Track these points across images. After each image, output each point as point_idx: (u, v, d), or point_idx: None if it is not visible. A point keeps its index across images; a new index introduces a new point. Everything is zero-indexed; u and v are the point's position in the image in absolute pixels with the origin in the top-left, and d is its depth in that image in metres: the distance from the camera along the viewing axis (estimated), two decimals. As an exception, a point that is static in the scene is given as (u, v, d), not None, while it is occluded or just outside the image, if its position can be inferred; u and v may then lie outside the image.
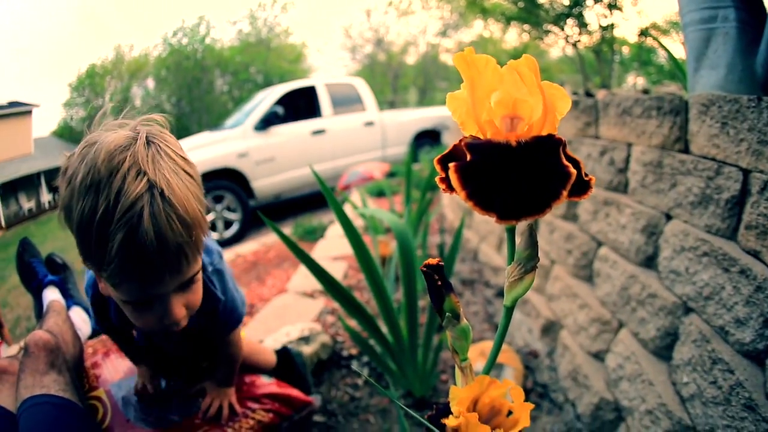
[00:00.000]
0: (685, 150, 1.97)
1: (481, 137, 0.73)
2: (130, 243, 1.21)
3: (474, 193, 0.65)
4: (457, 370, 1.06)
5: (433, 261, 0.99)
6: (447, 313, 0.99)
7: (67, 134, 13.47)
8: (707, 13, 2.02)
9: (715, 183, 1.75)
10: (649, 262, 2.21)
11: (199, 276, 1.53)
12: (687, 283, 1.87)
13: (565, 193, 0.64)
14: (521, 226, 0.80)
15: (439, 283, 0.98)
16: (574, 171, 0.65)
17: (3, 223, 5.53)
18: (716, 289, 1.69)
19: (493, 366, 1.03)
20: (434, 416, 1.09)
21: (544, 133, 0.72)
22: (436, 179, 0.74)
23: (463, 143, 0.71)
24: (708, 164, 1.78)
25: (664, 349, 2.03)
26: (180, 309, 1.47)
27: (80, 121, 14.84)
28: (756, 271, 1.49)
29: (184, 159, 1.42)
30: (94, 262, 1.30)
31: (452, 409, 1.00)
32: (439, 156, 0.76)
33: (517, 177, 0.66)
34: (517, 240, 0.86)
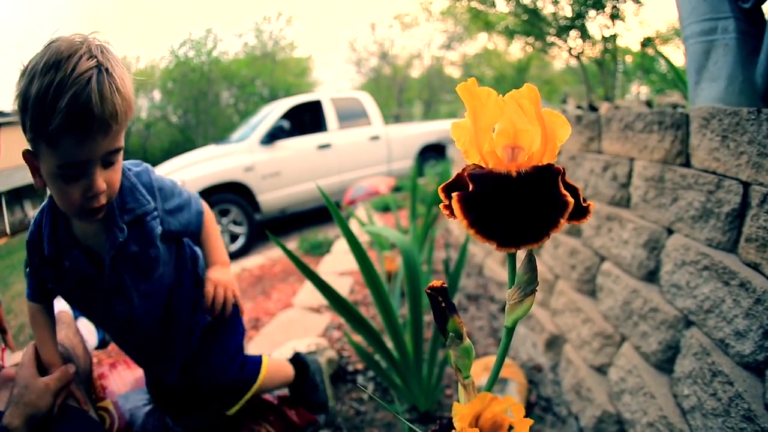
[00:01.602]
0: (687, 164, 1.99)
1: (484, 166, 0.77)
2: (77, 99, 1.41)
3: (475, 223, 0.69)
4: (459, 386, 1.09)
5: (437, 283, 1.02)
6: (450, 333, 1.03)
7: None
8: (707, 24, 2.04)
9: (715, 196, 1.76)
10: (651, 276, 2.22)
11: (120, 157, 1.67)
12: (688, 297, 1.88)
13: (563, 221, 0.68)
14: (521, 251, 0.82)
15: (443, 304, 1.02)
16: (571, 200, 0.69)
17: (8, 230, 5.55)
18: (716, 302, 1.70)
19: (495, 383, 1.06)
20: (438, 431, 1.12)
21: (545, 161, 0.75)
22: (440, 206, 0.77)
23: (465, 173, 0.75)
24: (709, 178, 1.80)
25: (665, 362, 2.05)
26: (102, 182, 1.59)
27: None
28: (756, 283, 1.51)
29: (122, 64, 1.61)
30: (42, 128, 1.45)
31: (455, 425, 1.03)
32: (443, 184, 0.79)
33: (517, 207, 0.70)
34: (518, 265, 0.89)
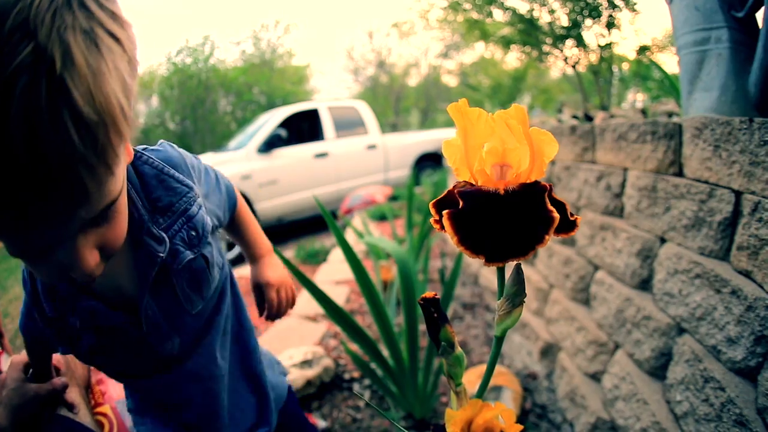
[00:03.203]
0: (679, 173, 2.01)
1: (474, 183, 0.80)
2: None
3: (464, 239, 0.72)
4: (452, 393, 1.11)
5: (429, 294, 1.05)
6: (443, 343, 1.05)
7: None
8: (700, 35, 2.05)
9: (707, 206, 1.78)
10: (644, 284, 2.24)
11: (121, 201, 0.96)
12: (680, 305, 1.90)
13: (548, 237, 0.71)
14: (509, 265, 0.84)
15: (435, 315, 1.04)
16: (557, 216, 0.71)
17: None
18: (708, 309, 1.72)
19: (485, 390, 1.08)
20: (432, 436, 1.14)
21: (532, 178, 0.78)
22: (431, 221, 0.80)
23: (456, 190, 0.78)
24: (701, 187, 1.82)
25: (658, 369, 2.07)
26: (90, 258, 0.93)
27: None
28: (747, 291, 1.53)
29: (113, 14, 0.83)
30: None
31: (447, 431, 1.06)
32: (434, 200, 0.82)
33: (505, 223, 0.73)
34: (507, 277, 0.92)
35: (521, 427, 1.06)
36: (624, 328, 2.31)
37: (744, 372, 1.55)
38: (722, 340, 1.64)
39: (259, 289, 1.83)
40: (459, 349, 1.07)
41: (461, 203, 0.75)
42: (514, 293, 0.89)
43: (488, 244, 0.72)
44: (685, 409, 1.81)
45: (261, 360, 1.74)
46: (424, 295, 1.03)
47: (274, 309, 1.78)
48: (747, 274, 1.59)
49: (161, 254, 1.18)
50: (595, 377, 2.58)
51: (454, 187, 0.80)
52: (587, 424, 2.45)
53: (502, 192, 0.76)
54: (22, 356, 1.54)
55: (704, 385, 1.69)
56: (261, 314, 1.83)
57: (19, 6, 0.68)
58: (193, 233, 1.28)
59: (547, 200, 0.73)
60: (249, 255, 1.83)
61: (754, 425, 1.43)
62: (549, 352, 3.09)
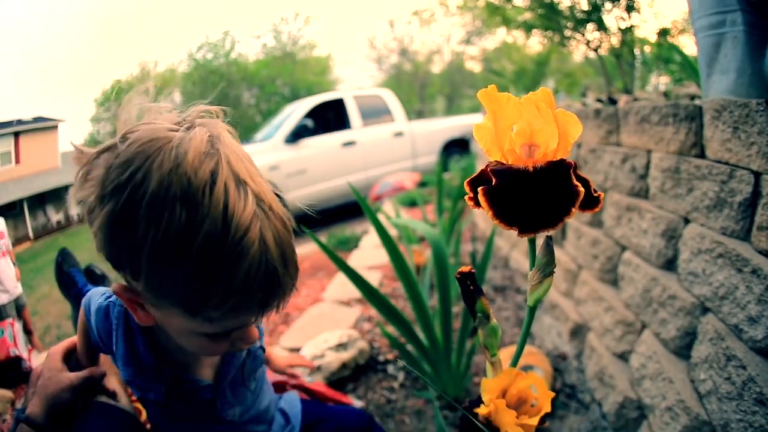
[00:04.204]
0: (701, 155, 2.02)
1: (505, 162, 0.89)
2: (259, 269, 0.97)
3: (499, 213, 0.82)
4: (487, 364, 1.18)
5: (465, 269, 1.12)
6: (479, 314, 1.12)
7: (94, 148, 13.63)
8: (716, 18, 2.05)
9: (728, 186, 1.79)
10: (669, 264, 2.26)
11: None
12: (704, 284, 1.92)
13: (574, 209, 0.79)
14: (540, 237, 0.92)
15: (471, 288, 1.12)
16: (582, 190, 0.80)
17: (31, 235, 5.58)
18: (730, 288, 1.73)
19: (519, 358, 1.15)
20: (468, 407, 1.21)
21: (558, 157, 0.87)
22: (466, 198, 0.88)
23: (489, 169, 0.87)
24: (722, 168, 1.83)
25: (683, 348, 2.08)
26: (255, 333, 1.21)
27: (108, 135, 15.02)
28: (767, 270, 1.55)
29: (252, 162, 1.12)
30: (179, 296, 0.99)
31: (483, 398, 1.13)
32: (468, 179, 0.91)
33: (535, 197, 0.83)
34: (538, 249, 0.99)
35: (552, 394, 1.12)
36: (650, 308, 2.33)
37: (764, 352, 1.57)
38: (744, 320, 1.65)
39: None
40: (494, 321, 1.14)
41: (494, 180, 0.84)
42: (545, 263, 0.97)
43: (520, 217, 0.81)
44: (708, 387, 1.82)
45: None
46: (461, 269, 1.11)
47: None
48: (767, 254, 1.61)
49: (258, 345, 1.51)
50: (623, 357, 2.60)
51: (486, 166, 0.89)
52: (615, 403, 2.49)
53: (531, 169, 0.85)
54: (61, 346, 1.56)
55: (726, 363, 1.71)
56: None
57: (218, 159, 0.97)
58: (261, 327, 1.55)
59: (573, 176, 0.82)
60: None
61: (773, 403, 1.45)
62: (578, 332, 3.12)
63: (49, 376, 1.45)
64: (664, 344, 2.23)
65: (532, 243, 1.02)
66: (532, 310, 1.07)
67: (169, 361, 1.36)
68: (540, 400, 1.14)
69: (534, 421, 1.10)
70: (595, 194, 0.87)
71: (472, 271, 1.14)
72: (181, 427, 1.52)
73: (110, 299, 1.38)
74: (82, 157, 1.05)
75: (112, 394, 1.61)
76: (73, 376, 1.45)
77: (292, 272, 1.07)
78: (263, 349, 1.63)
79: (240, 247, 0.93)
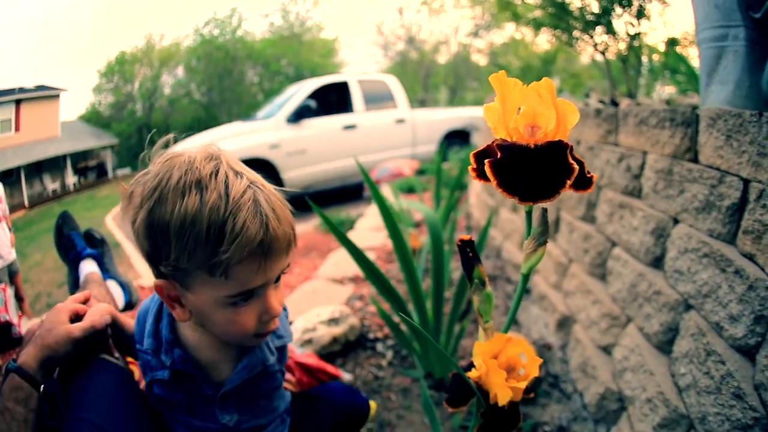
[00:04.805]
0: (694, 159, 2.06)
1: (509, 140, 0.99)
2: (252, 223, 1.22)
3: (502, 182, 0.92)
4: (480, 330, 1.27)
5: (466, 237, 1.21)
6: (476, 280, 1.21)
7: (95, 119, 13.48)
8: (719, 31, 2.10)
9: (718, 191, 1.84)
10: (657, 262, 2.31)
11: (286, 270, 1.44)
12: (688, 282, 1.97)
13: (569, 182, 0.90)
14: (537, 209, 1.01)
15: (471, 255, 1.20)
16: (577, 167, 0.92)
17: (26, 203, 5.61)
18: (714, 287, 1.79)
19: (511, 325, 1.23)
20: (456, 374, 1.29)
21: (557, 138, 0.96)
22: (469, 168, 0.98)
23: (494, 144, 0.98)
24: (713, 173, 1.88)
25: (665, 343, 2.14)
26: (277, 304, 1.41)
27: (109, 106, 14.96)
28: (749, 271, 1.60)
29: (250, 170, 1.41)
30: (203, 260, 1.23)
31: (474, 361, 1.21)
32: (474, 151, 1.01)
33: (534, 171, 0.93)
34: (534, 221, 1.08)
35: (540, 360, 1.20)
36: (636, 303, 2.38)
37: (743, 350, 1.62)
38: (725, 317, 1.70)
39: None
40: (489, 288, 1.22)
41: (499, 154, 0.94)
42: (540, 233, 1.06)
43: (521, 187, 0.91)
44: (688, 381, 1.87)
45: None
46: (461, 237, 1.20)
47: None
48: (751, 257, 1.66)
49: (268, 363, 1.60)
50: (607, 350, 2.66)
51: (492, 142, 1.00)
52: (596, 394, 2.55)
53: (532, 146, 0.95)
54: (69, 305, 1.57)
55: (706, 358, 1.76)
56: None
57: (221, 159, 1.30)
58: (285, 352, 1.73)
59: (569, 155, 0.93)
60: None
61: (750, 399, 1.51)
62: (565, 324, 3.19)
63: (50, 328, 1.45)
64: (647, 338, 2.28)
65: (529, 214, 1.11)
66: (526, 278, 1.15)
67: (182, 345, 1.54)
68: (528, 366, 1.22)
69: (522, 385, 1.18)
70: (589, 175, 0.96)
71: (472, 239, 1.23)
72: (179, 416, 1.62)
73: (155, 296, 1.60)
74: (126, 189, 1.36)
75: (112, 352, 1.65)
76: (74, 328, 1.46)
77: (286, 228, 1.32)
78: (283, 373, 1.76)
79: (237, 205, 1.21)
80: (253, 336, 1.43)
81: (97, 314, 1.55)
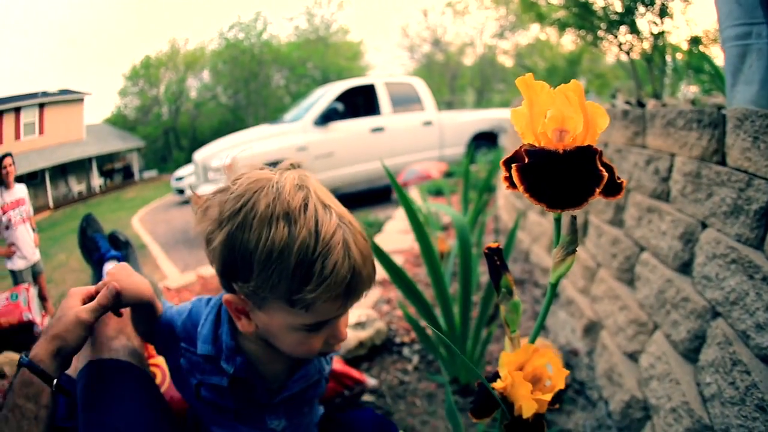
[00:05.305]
0: (722, 162, 2.02)
1: (537, 145, 0.97)
2: (341, 267, 1.24)
3: (530, 188, 0.90)
4: (506, 339, 1.25)
5: (494, 245, 1.20)
6: (503, 289, 1.19)
7: (121, 122, 13.63)
8: (742, 29, 2.06)
9: (745, 194, 1.80)
10: (685, 267, 2.27)
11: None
12: (716, 289, 1.93)
13: (598, 191, 0.88)
14: (565, 215, 0.99)
15: (498, 263, 1.19)
16: (606, 174, 0.89)
17: (51, 204, 5.64)
18: (741, 294, 1.75)
19: (538, 334, 1.21)
20: (481, 385, 1.28)
21: (586, 143, 0.95)
22: (501, 177, 0.97)
23: (522, 149, 0.96)
24: (740, 176, 1.84)
25: (692, 351, 2.10)
26: (345, 330, 1.49)
27: (134, 109, 15.09)
28: None
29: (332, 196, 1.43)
30: (282, 289, 1.25)
31: (500, 372, 1.20)
32: (504, 158, 0.99)
33: (562, 177, 0.91)
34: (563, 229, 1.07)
35: (567, 372, 1.19)
36: (663, 309, 2.34)
37: None
38: (751, 326, 1.67)
39: None
40: (517, 297, 1.21)
41: (527, 159, 0.93)
42: (569, 242, 1.05)
43: (549, 194, 0.89)
44: (713, 391, 1.84)
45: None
46: (489, 245, 1.19)
47: None
48: None
49: (324, 374, 1.75)
50: (633, 357, 2.61)
51: (521, 147, 0.97)
52: (621, 402, 2.51)
53: (560, 152, 0.93)
54: (84, 289, 1.49)
55: (732, 368, 1.72)
56: None
57: (308, 191, 1.30)
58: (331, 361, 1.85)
59: (598, 161, 0.91)
60: None
61: (774, 411, 1.48)
62: (592, 330, 3.15)
63: (60, 316, 1.38)
64: (673, 346, 2.24)
65: (558, 222, 1.09)
66: (554, 287, 1.14)
67: (243, 352, 1.55)
68: (554, 378, 1.20)
69: (548, 397, 1.16)
70: (618, 181, 0.94)
71: (500, 247, 1.21)
72: (225, 421, 1.65)
73: (211, 302, 1.63)
74: (198, 200, 1.40)
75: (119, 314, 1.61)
76: (82, 310, 1.38)
77: (370, 269, 1.36)
78: (327, 380, 1.85)
79: (328, 247, 1.22)
80: (317, 354, 1.48)
81: (103, 291, 1.45)
